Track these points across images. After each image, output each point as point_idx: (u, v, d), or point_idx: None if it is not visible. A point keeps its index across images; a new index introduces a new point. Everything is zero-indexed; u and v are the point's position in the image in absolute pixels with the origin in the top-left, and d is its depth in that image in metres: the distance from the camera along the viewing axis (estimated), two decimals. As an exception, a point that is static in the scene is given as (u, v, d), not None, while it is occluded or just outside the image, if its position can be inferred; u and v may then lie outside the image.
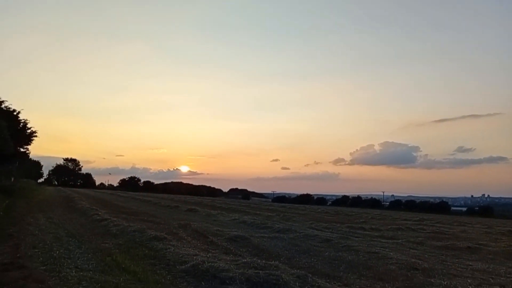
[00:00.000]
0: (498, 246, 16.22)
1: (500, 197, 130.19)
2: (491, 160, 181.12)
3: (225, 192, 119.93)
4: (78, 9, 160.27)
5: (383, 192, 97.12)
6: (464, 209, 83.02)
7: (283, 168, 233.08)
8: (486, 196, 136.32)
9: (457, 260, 11.82)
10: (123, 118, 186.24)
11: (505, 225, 33.66)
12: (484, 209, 72.23)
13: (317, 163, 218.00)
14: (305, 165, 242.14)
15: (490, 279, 8.95)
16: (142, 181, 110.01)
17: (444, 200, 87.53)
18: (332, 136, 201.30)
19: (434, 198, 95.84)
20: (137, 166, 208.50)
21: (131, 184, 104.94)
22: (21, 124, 31.45)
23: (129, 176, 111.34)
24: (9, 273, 6.78)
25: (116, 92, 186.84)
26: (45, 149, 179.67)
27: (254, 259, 8.61)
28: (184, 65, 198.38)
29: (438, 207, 75.31)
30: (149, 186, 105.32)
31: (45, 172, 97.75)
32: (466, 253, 13.65)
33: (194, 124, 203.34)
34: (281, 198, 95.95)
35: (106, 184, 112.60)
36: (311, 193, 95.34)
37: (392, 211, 60.88)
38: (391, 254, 11.45)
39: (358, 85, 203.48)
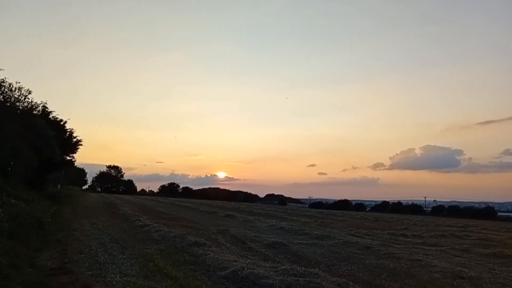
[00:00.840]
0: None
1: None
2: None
3: (261, 198, 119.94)
4: (120, 21, 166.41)
5: (425, 198, 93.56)
6: (512, 214, 78.97)
7: (320, 173, 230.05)
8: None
9: (506, 268, 11.25)
10: (163, 125, 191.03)
11: (558, 232, 31.66)
12: (534, 214, 68.33)
13: (355, 168, 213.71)
14: (342, 170, 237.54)
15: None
16: (181, 187, 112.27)
17: (490, 205, 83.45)
18: (370, 140, 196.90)
19: (479, 203, 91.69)
20: (176, 172, 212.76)
21: (170, 190, 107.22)
22: (68, 133, 32.90)
23: (169, 182, 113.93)
24: (57, 277, 7.11)
25: (157, 100, 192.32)
26: (89, 156, 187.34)
27: (293, 266, 8.57)
28: (222, 72, 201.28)
29: (484, 212, 71.78)
30: (187, 192, 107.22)
31: (89, 179, 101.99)
32: (516, 262, 12.98)
33: (231, 130, 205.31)
34: (318, 204, 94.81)
35: (147, 190, 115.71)
36: (349, 198, 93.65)
37: (435, 217, 58.72)
38: (435, 262, 11.04)
39: (398, 87, 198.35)
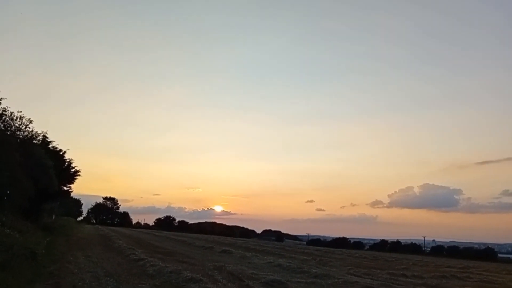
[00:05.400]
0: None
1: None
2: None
3: (258, 234, 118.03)
4: (123, 56, 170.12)
5: (424, 237, 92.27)
6: (512, 256, 77.78)
7: (318, 210, 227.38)
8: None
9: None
10: (162, 158, 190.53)
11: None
12: (535, 256, 67.29)
13: (353, 205, 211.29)
14: (341, 207, 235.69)
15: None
16: (177, 220, 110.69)
17: (489, 246, 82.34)
18: (369, 178, 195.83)
19: (479, 244, 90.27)
20: (172, 205, 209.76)
21: (166, 223, 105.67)
22: (66, 163, 32.80)
23: (165, 215, 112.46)
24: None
25: (156, 133, 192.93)
26: (86, 187, 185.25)
27: (293, 305, 8.32)
28: (221, 107, 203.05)
29: (484, 253, 70.71)
30: (183, 225, 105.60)
31: (85, 210, 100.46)
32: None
33: (229, 164, 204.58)
34: (316, 241, 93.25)
35: (142, 223, 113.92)
36: (347, 236, 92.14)
37: (434, 257, 57.78)
38: (438, 304, 10.76)
39: (396, 126, 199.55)
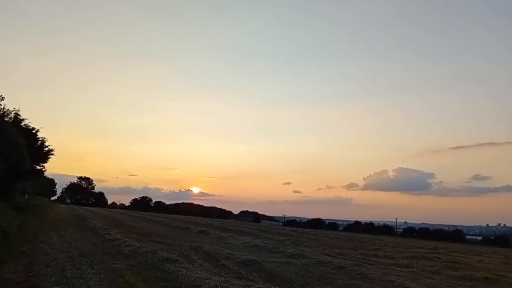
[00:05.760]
0: (518, 278, 15.71)
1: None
2: (508, 188, 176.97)
3: (235, 215, 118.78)
4: (98, 32, 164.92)
5: (396, 219, 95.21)
6: (479, 238, 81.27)
7: (295, 192, 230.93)
8: (502, 225, 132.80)
9: (475, 291, 11.46)
10: (139, 138, 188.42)
11: (523, 256, 32.67)
12: (500, 239, 70.64)
13: (329, 188, 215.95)
14: (317, 189, 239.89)
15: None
16: (153, 201, 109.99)
17: (458, 228, 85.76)
18: (345, 161, 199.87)
19: (448, 226, 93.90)
20: (149, 186, 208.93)
21: (142, 204, 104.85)
22: (39, 142, 31.95)
23: (141, 196, 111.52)
24: (22, 291, 6.79)
25: (134, 113, 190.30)
26: (60, 167, 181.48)
27: (267, 284, 8.48)
28: (200, 88, 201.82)
29: (453, 235, 73.76)
30: (160, 206, 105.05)
31: (59, 190, 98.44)
32: (484, 284, 13.31)
33: (207, 145, 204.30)
34: (291, 222, 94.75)
35: (118, 203, 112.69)
36: (322, 217, 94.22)
37: (406, 239, 59.72)
38: (407, 283, 11.16)
39: (372, 110, 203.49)
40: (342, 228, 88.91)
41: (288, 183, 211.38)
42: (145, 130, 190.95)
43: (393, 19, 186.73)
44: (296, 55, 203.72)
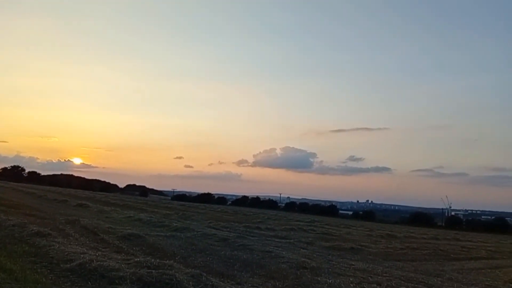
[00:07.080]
0: (377, 247, 17.97)
1: (382, 204, 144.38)
2: (377, 169, 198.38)
3: (121, 188, 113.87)
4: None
5: (280, 194, 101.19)
6: (350, 213, 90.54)
7: (186, 166, 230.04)
8: (370, 202, 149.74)
9: (341, 259, 12.77)
10: (9, 101, 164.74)
11: (384, 229, 37.39)
12: (367, 213, 79.71)
13: (221, 163, 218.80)
14: (209, 164, 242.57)
15: (369, 277, 9.81)
16: (26, 171, 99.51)
17: (333, 203, 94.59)
18: (238, 138, 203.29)
19: (325, 201, 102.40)
20: (22, 154, 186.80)
21: (13, 173, 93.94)
22: None
23: (12, 165, 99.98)
24: None
25: (2, 71, 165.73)
26: None
27: (148, 258, 8.28)
28: (84, 48, 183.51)
29: (328, 210, 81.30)
30: (34, 177, 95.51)
31: None
32: (349, 254, 14.85)
33: (92, 114, 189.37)
34: (181, 197, 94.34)
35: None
36: (212, 192, 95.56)
37: (287, 212, 63.80)
38: (284, 253, 11.93)
39: (264, 90, 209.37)
40: (230, 202, 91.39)
41: (180, 158, 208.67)
42: (16, 91, 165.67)
43: (294, 2, 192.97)
44: (195, 28, 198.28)
